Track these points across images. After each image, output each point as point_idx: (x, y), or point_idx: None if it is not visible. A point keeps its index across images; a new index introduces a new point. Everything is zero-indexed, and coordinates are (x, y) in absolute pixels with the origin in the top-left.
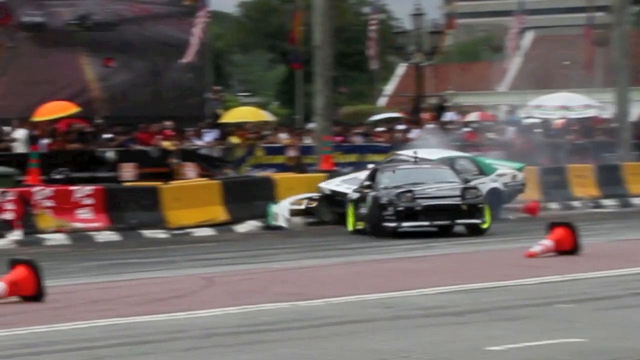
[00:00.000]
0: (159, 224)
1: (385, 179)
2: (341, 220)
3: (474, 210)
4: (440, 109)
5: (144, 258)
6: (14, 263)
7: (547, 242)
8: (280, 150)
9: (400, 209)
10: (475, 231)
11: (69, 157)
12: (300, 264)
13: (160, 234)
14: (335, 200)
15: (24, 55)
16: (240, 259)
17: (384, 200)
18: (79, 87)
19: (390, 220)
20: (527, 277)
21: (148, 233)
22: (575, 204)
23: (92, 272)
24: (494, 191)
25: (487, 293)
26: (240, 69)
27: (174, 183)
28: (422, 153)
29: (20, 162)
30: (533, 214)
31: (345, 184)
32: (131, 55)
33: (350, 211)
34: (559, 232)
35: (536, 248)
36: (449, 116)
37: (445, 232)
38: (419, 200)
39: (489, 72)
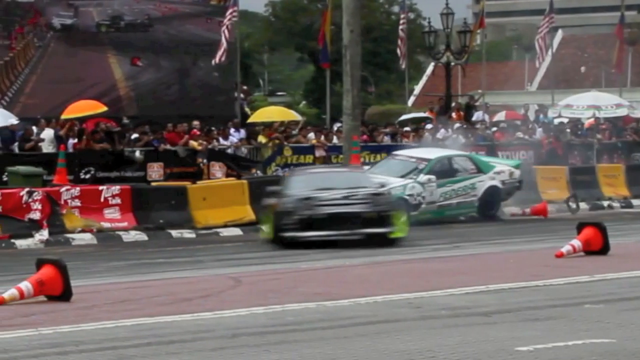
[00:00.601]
0: (186, 223)
1: (296, 184)
2: None
3: (382, 219)
4: (469, 109)
5: (171, 258)
6: (41, 263)
7: (576, 243)
8: (308, 150)
9: (300, 217)
10: (383, 241)
11: (96, 157)
12: (327, 264)
13: (187, 233)
14: None
15: (52, 54)
16: (267, 259)
17: (285, 207)
18: (107, 85)
19: (290, 230)
20: (555, 277)
21: (175, 233)
22: (605, 203)
23: (118, 271)
24: (492, 189)
25: (515, 293)
26: (268, 68)
27: (202, 183)
28: (420, 152)
29: (47, 161)
30: (544, 215)
31: None
32: (158, 54)
33: (267, 218)
34: (588, 232)
35: (565, 248)
36: (477, 116)
37: (350, 243)
38: (321, 208)
39: (519, 72)
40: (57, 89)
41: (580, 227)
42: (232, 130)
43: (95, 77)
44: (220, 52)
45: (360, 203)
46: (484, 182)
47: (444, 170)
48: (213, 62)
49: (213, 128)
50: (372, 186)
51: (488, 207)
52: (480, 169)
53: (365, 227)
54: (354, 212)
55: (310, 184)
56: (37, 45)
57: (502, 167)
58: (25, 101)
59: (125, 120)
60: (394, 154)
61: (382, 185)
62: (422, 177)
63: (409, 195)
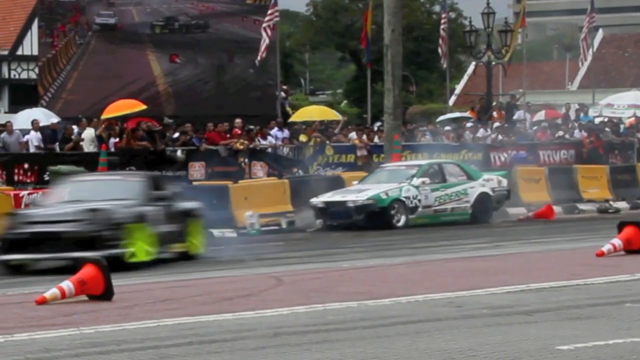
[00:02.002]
0: (228, 223)
1: (50, 196)
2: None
3: (95, 240)
4: (510, 108)
5: (212, 257)
6: (82, 262)
7: (616, 241)
8: (349, 150)
9: (4, 237)
10: (118, 266)
11: (138, 156)
12: (368, 263)
13: (228, 233)
14: (330, 212)
15: (93, 52)
16: (308, 258)
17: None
18: (146, 81)
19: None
20: (596, 276)
21: (217, 232)
22: None
23: (160, 271)
24: (483, 195)
25: (556, 292)
26: (309, 67)
27: (243, 182)
28: (408, 162)
29: (89, 161)
30: (549, 218)
31: (339, 195)
32: (196, 52)
33: None
34: (629, 231)
35: (606, 247)
36: (518, 115)
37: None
38: (26, 226)
39: (559, 71)
40: (97, 85)
41: (621, 226)
42: (275, 130)
43: (134, 74)
44: (262, 51)
45: (71, 221)
46: (475, 189)
47: (435, 175)
48: (257, 61)
49: (252, 127)
50: (136, 199)
51: (481, 214)
52: (470, 176)
53: (69, 250)
54: (56, 232)
55: (63, 196)
56: (78, 43)
57: (491, 175)
58: (66, 97)
59: (169, 120)
60: (382, 166)
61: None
62: (416, 181)
63: (405, 197)
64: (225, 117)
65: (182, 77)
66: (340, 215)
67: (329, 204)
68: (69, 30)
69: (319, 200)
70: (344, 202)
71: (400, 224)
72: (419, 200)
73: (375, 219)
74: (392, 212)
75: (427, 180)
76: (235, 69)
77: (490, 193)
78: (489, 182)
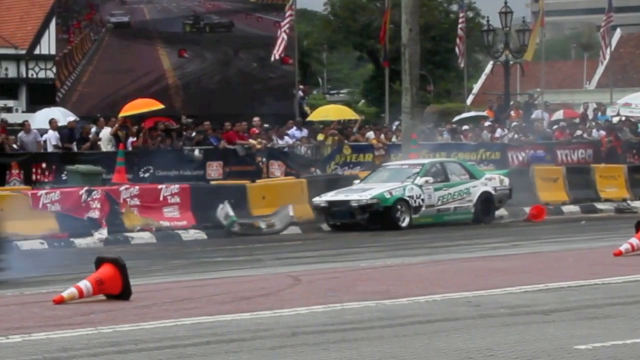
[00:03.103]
0: None
1: None
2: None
3: None
4: (528, 107)
5: (230, 257)
6: (100, 261)
7: (634, 241)
8: (367, 149)
9: None
10: None
11: (155, 156)
12: (386, 263)
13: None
14: (333, 212)
15: (107, 47)
16: (326, 258)
17: None
18: (156, 74)
19: None
20: (614, 275)
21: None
22: None
23: (178, 270)
24: (486, 194)
25: (574, 292)
26: (327, 67)
27: (261, 181)
28: (411, 160)
29: (106, 160)
30: (537, 219)
31: (342, 194)
32: (202, 47)
33: None
34: None
35: (624, 246)
36: (537, 114)
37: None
38: None
39: (577, 70)
40: (111, 78)
41: (639, 225)
42: (293, 129)
43: (145, 68)
44: (279, 51)
45: None
46: (478, 188)
47: (438, 174)
48: (272, 58)
49: (267, 125)
50: None
51: (484, 213)
52: (472, 175)
53: None
54: None
55: None
56: (93, 39)
57: (492, 174)
58: (82, 90)
59: (188, 120)
60: (384, 165)
61: None
62: (419, 180)
63: (408, 196)
64: (243, 116)
65: (190, 70)
66: (343, 214)
67: (332, 203)
68: (84, 27)
69: (322, 199)
70: (347, 202)
71: (404, 223)
72: (423, 200)
73: (379, 218)
74: (397, 211)
75: (430, 179)
76: (239, 63)
77: (493, 192)
78: (491, 181)
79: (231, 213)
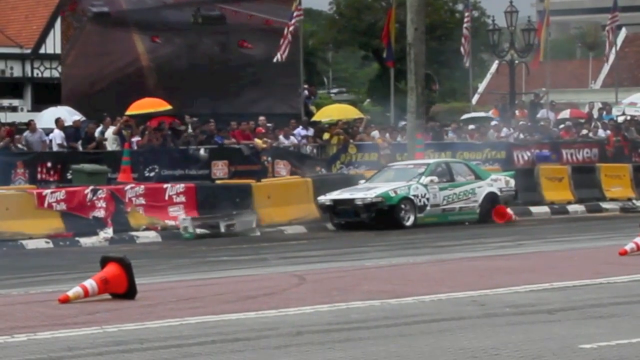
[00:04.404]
0: None
1: None
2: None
3: None
4: (534, 106)
5: (236, 256)
6: (105, 260)
7: (639, 240)
8: (372, 148)
9: None
10: None
11: (160, 155)
12: (391, 262)
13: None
14: (338, 210)
15: (88, 34)
16: (331, 257)
17: None
18: (131, 57)
19: None
20: (619, 274)
21: (256, 228)
22: None
23: (183, 269)
24: (491, 195)
25: (579, 291)
26: (333, 66)
27: (266, 181)
28: (416, 160)
29: (112, 159)
30: (501, 220)
31: (347, 192)
32: (172, 33)
33: None
34: None
35: (629, 246)
36: (542, 113)
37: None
38: None
39: (582, 70)
40: (92, 60)
41: None
42: (299, 129)
43: (122, 52)
44: (283, 51)
45: None
46: (483, 188)
47: (443, 174)
48: (275, 59)
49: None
50: None
51: (489, 214)
52: (478, 175)
53: None
54: None
55: None
56: (75, 26)
57: (498, 175)
58: (66, 71)
59: (193, 119)
60: (389, 165)
61: None
62: (424, 179)
63: (413, 195)
64: (247, 115)
65: (161, 54)
66: (348, 213)
67: (337, 202)
68: (67, 16)
69: (326, 198)
70: (352, 200)
71: (409, 222)
72: (428, 199)
73: (384, 217)
74: (402, 210)
75: (435, 178)
76: (202, 47)
77: (498, 193)
78: (496, 182)
79: (191, 230)
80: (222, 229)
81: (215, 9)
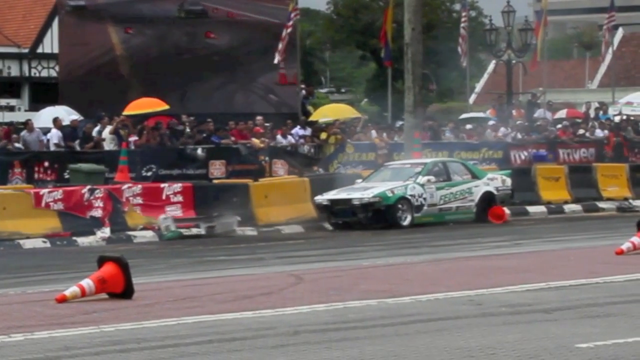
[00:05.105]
0: (248, 221)
1: None
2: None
3: None
4: (531, 106)
5: (233, 255)
6: (102, 260)
7: (636, 240)
8: (370, 148)
9: None
10: None
11: (158, 155)
12: (388, 261)
13: (249, 231)
14: (335, 210)
15: (67, 25)
16: (328, 256)
17: None
18: (107, 47)
19: None
20: (615, 274)
21: (237, 230)
22: None
23: (180, 269)
24: (488, 194)
25: (576, 290)
26: (330, 66)
27: (263, 180)
28: (413, 160)
29: (109, 159)
30: (498, 221)
31: (344, 192)
32: (144, 25)
33: None
34: None
35: (625, 245)
36: (539, 113)
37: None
38: None
39: (579, 70)
40: (71, 49)
41: None
42: (297, 128)
43: (98, 41)
44: (281, 52)
45: None
46: (480, 187)
47: (440, 174)
48: (275, 61)
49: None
50: None
51: (486, 213)
52: (475, 175)
53: None
54: None
55: None
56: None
57: (495, 175)
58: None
59: (190, 118)
60: (387, 164)
61: None
62: (421, 179)
63: (410, 195)
64: (245, 115)
65: (133, 44)
66: (345, 213)
67: (334, 201)
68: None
69: (324, 197)
70: (349, 200)
71: (406, 222)
72: (425, 199)
73: (381, 217)
74: (399, 210)
75: (432, 178)
76: (173, 37)
77: (495, 192)
78: (493, 182)
79: (173, 228)
80: (203, 231)
81: (199, 4)
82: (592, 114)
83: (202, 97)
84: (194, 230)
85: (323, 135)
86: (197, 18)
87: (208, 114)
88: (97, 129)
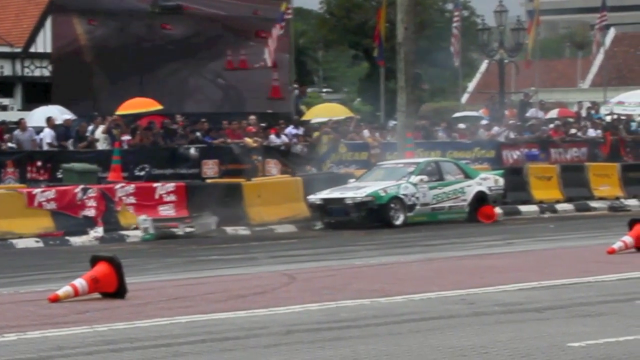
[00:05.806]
0: (241, 220)
1: None
2: (335, 228)
3: None
4: (523, 106)
5: (226, 255)
6: (95, 260)
7: (627, 239)
8: (363, 147)
9: None
10: None
11: (151, 154)
12: (381, 261)
13: (242, 230)
14: (328, 209)
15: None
16: (321, 256)
17: None
18: (72, 37)
19: None
20: (607, 273)
21: (230, 229)
22: None
23: (173, 268)
24: (480, 194)
25: (568, 289)
26: (323, 65)
27: (256, 180)
28: (406, 160)
29: (102, 158)
30: (488, 221)
31: (337, 192)
32: (106, 17)
33: None
34: None
35: (617, 244)
36: (532, 112)
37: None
38: None
39: (571, 69)
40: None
41: (632, 223)
42: (290, 128)
43: (64, 32)
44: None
45: None
46: (472, 187)
47: (433, 173)
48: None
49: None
50: None
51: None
52: (467, 174)
53: None
54: None
55: None
56: None
57: (487, 174)
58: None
59: (181, 117)
60: (379, 164)
61: None
62: (414, 178)
63: (403, 195)
64: (237, 115)
65: (97, 34)
66: (338, 212)
67: (327, 201)
68: None
69: (317, 197)
70: (342, 199)
71: (399, 222)
72: (417, 198)
73: (374, 216)
74: (391, 209)
75: (425, 178)
76: (133, 29)
77: (488, 192)
78: (485, 181)
79: (151, 230)
80: (181, 232)
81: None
82: (583, 113)
83: (157, 81)
84: (174, 230)
85: (316, 135)
86: (172, 15)
87: (164, 100)
88: (90, 128)
